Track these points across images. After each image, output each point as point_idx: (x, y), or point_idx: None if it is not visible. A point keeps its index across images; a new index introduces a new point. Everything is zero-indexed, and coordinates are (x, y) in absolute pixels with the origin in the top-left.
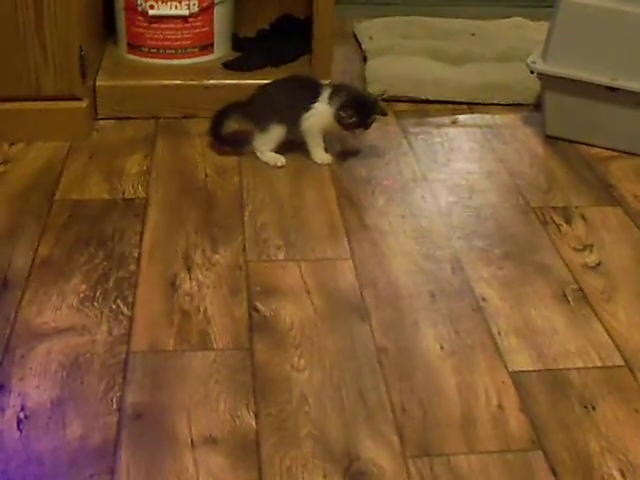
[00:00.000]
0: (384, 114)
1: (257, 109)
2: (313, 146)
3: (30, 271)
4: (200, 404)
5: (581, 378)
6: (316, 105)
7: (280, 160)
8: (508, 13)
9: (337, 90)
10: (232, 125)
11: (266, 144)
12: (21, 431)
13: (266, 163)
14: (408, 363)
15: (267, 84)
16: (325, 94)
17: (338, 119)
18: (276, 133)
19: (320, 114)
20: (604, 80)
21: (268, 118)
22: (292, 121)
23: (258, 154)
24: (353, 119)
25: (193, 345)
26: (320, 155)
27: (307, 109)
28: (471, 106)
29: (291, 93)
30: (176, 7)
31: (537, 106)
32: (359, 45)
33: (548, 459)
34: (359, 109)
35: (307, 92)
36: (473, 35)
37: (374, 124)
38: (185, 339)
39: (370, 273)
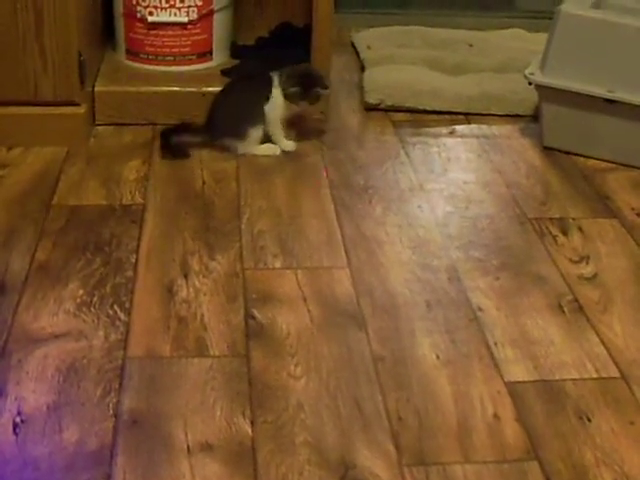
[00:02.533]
0: (325, 87)
1: (228, 122)
2: (277, 135)
3: (27, 276)
4: (196, 411)
5: (577, 389)
6: (272, 92)
7: (276, 149)
8: (506, 24)
9: (285, 71)
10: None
11: (252, 144)
12: (17, 435)
13: (263, 156)
14: (404, 372)
15: (220, 94)
16: (276, 80)
17: (283, 91)
18: (255, 135)
19: (276, 99)
20: (601, 92)
21: (242, 125)
22: (262, 117)
23: (250, 152)
24: (295, 89)
25: (190, 352)
26: (285, 142)
27: (267, 99)
28: (468, 116)
29: (249, 92)
30: (175, 14)
31: (534, 117)
32: (357, 54)
33: (543, 470)
34: (302, 81)
35: (262, 85)
36: (471, 46)
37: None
38: (182, 345)
39: (367, 282)
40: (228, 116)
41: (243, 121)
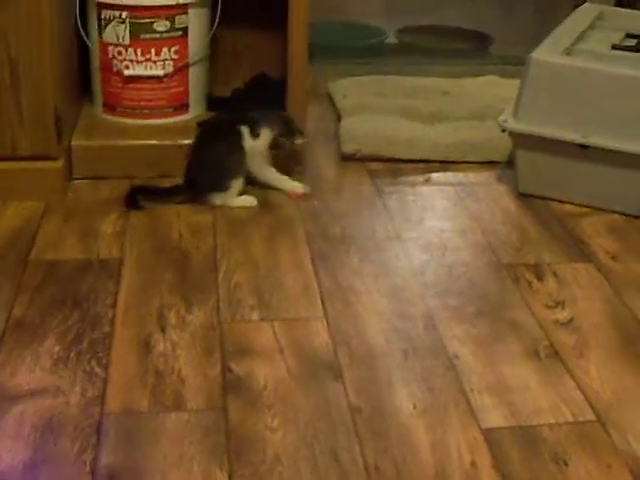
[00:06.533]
0: (301, 133)
1: (208, 177)
2: (279, 180)
3: (4, 332)
4: (174, 465)
5: (553, 434)
6: (245, 147)
7: (252, 201)
8: (481, 71)
9: (255, 123)
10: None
11: (233, 195)
12: None
13: (240, 207)
14: (382, 422)
15: (194, 150)
16: (246, 133)
17: (273, 145)
18: (237, 186)
19: (252, 150)
20: (575, 138)
21: (224, 178)
22: (241, 167)
23: (228, 203)
24: (274, 134)
25: (167, 406)
26: (292, 183)
27: (243, 151)
28: (444, 164)
29: (221, 144)
30: (151, 67)
31: (510, 164)
32: (333, 104)
33: None
34: (281, 128)
35: (232, 135)
36: (446, 93)
37: None
38: (159, 400)
39: (344, 332)
40: (208, 171)
41: (224, 173)
